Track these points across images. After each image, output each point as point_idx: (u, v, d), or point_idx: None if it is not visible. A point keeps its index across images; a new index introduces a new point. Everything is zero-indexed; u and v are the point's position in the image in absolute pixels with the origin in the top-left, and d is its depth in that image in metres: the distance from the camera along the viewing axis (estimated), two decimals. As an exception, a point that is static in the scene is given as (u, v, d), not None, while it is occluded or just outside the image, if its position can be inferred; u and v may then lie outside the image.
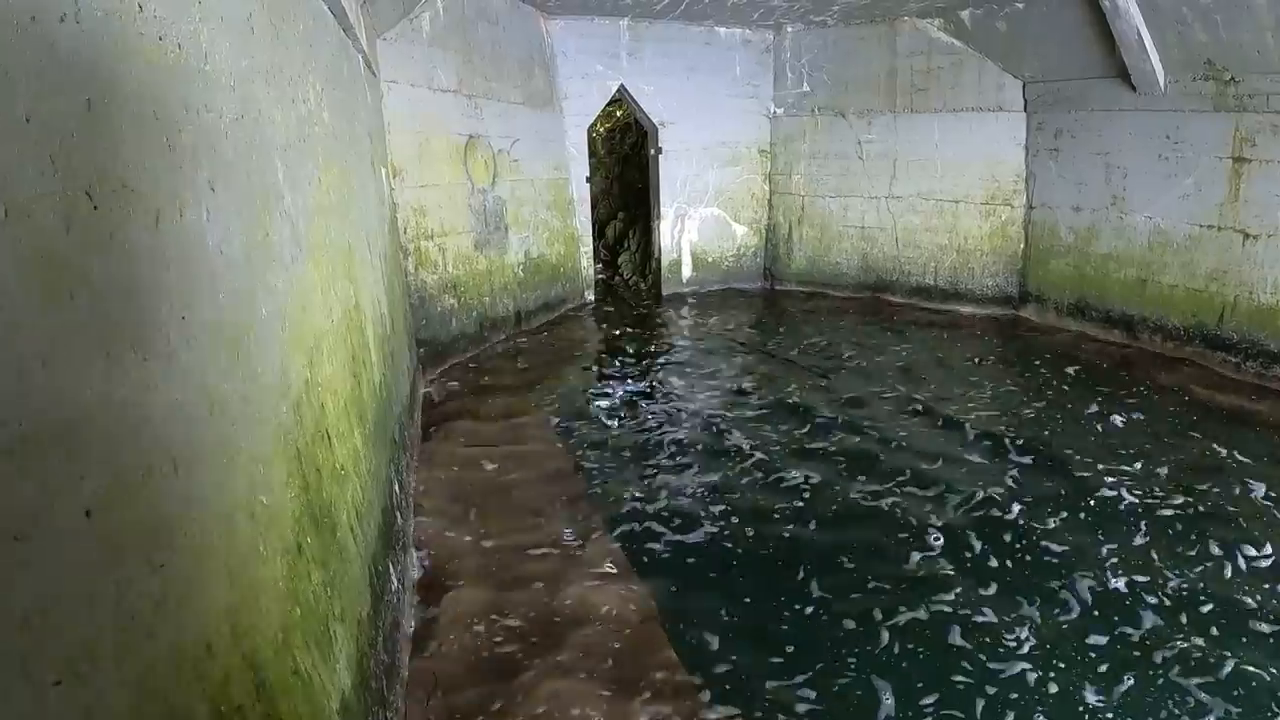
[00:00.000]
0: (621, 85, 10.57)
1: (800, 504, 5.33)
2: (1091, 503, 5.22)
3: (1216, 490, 5.37)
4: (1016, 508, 5.19)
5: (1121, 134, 8.81)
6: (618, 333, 9.54)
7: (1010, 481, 5.56)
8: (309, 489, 2.54)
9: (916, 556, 4.66)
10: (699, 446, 6.16)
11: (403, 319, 6.35)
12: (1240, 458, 5.83)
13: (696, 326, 9.90)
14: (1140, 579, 4.37)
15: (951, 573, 4.51)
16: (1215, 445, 6.06)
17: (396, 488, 4.45)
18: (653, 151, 11.25)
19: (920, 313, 10.49)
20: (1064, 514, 5.09)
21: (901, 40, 10.43)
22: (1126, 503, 5.22)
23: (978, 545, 4.77)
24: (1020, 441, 6.19)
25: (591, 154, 11.34)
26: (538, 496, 5.30)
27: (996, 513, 5.14)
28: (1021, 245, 10.18)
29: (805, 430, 6.49)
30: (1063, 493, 5.36)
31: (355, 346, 3.76)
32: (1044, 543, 4.76)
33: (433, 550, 4.60)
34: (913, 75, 10.48)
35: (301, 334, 2.70)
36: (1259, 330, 7.60)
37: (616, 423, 6.63)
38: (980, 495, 5.36)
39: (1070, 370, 7.97)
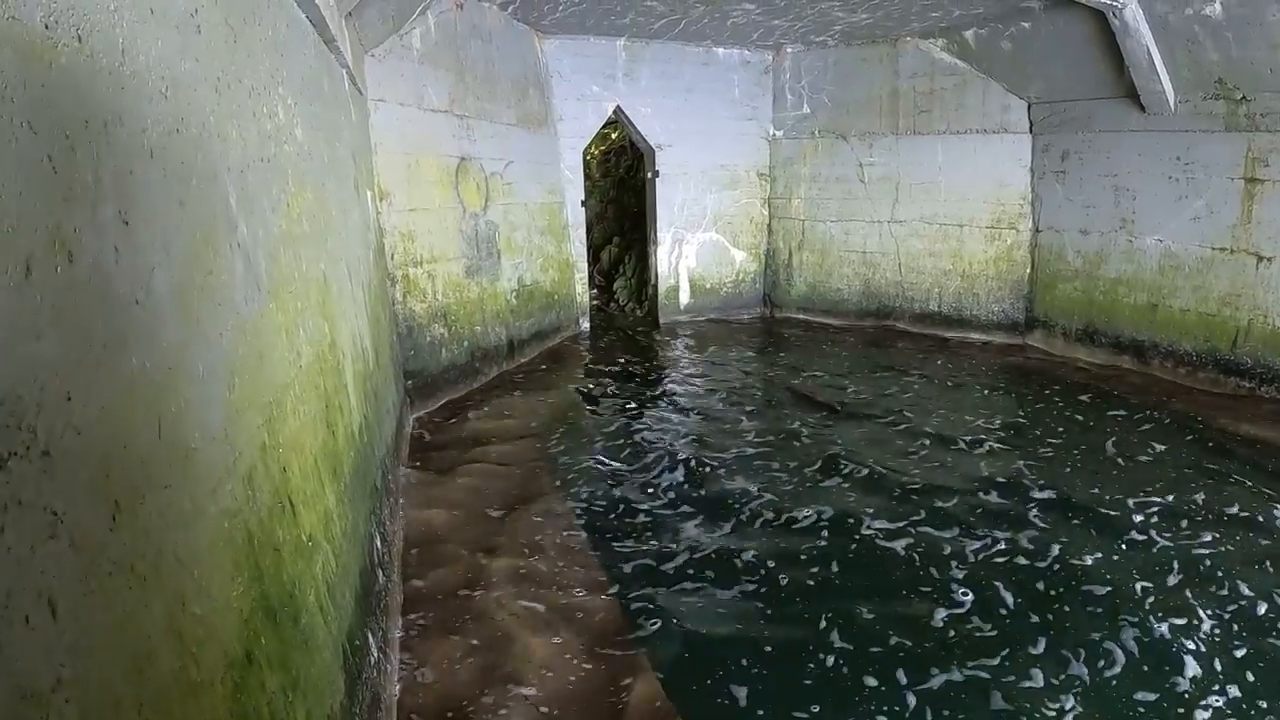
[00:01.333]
0: (618, 106, 10.19)
1: (815, 549, 4.89)
2: (1124, 545, 4.85)
3: (1244, 522, 5.10)
4: (1049, 549, 4.81)
5: (1130, 155, 8.53)
6: (615, 364, 9.09)
7: (1036, 520, 5.18)
8: (264, 577, 2.09)
9: (942, 613, 4.22)
10: (704, 491, 5.70)
11: (389, 351, 5.90)
12: (1265, 489, 5.55)
13: (696, 357, 9.46)
14: (1178, 622, 4.06)
15: (988, 631, 4.08)
16: (1238, 476, 5.76)
17: (378, 542, 3.99)
18: (649, 174, 10.86)
19: (924, 340, 10.10)
20: (1098, 554, 4.72)
21: (903, 61, 10.09)
22: (1158, 543, 4.88)
23: (1009, 597, 4.34)
24: (1040, 478, 5.81)
25: (586, 177, 10.94)
26: (536, 553, 4.85)
27: (1024, 560, 4.72)
28: (1028, 270, 9.84)
29: (814, 467, 6.06)
30: (1093, 533, 4.99)
31: (330, 392, 3.32)
32: (1084, 587, 4.39)
33: (422, 611, 4.13)
34: (915, 96, 10.14)
35: (257, 389, 2.26)
36: (1274, 354, 7.36)
37: (616, 464, 6.17)
38: (1004, 537, 4.97)
39: (1083, 398, 7.63)
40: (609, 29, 9.46)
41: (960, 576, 4.53)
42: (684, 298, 11.19)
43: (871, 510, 5.33)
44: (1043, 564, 4.67)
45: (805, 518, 5.27)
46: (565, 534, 4.99)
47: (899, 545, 4.91)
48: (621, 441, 6.64)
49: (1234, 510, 5.23)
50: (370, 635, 3.35)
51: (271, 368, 2.45)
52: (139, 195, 1.57)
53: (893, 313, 10.76)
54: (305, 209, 3.25)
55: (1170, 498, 5.41)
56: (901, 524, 5.15)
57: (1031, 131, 9.56)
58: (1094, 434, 6.66)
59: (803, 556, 4.82)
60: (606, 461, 6.19)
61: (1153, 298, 8.39)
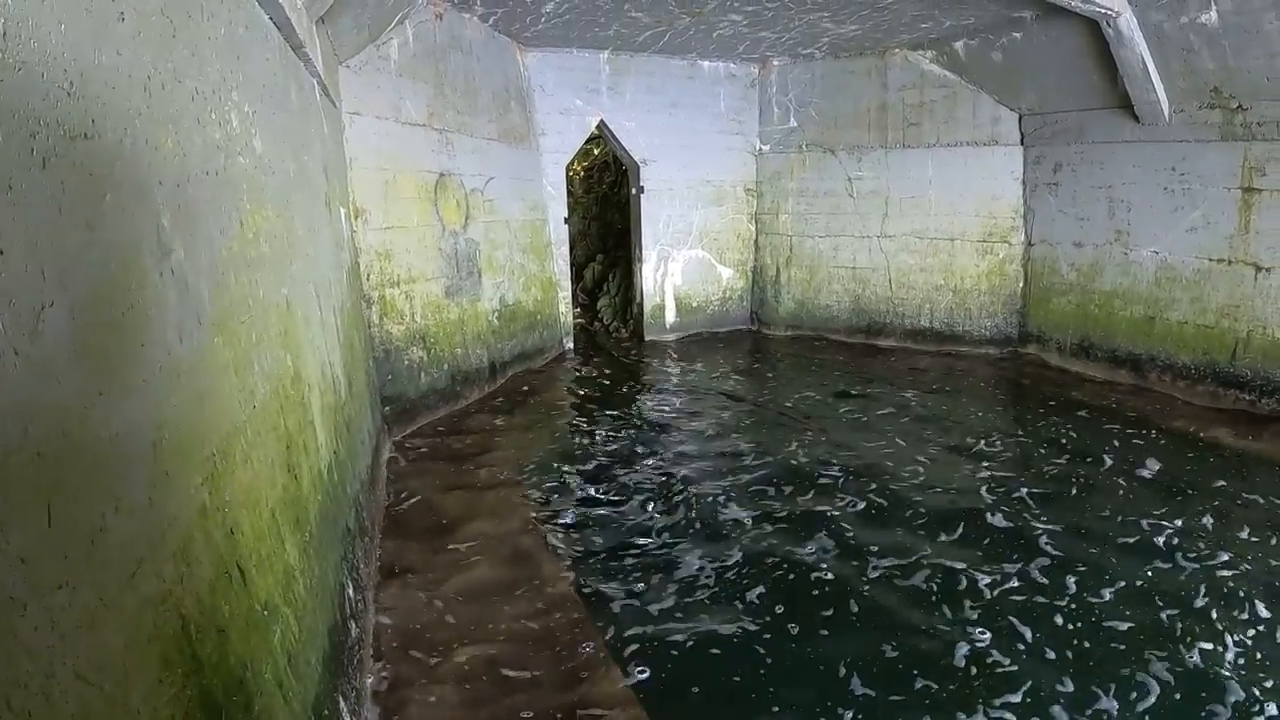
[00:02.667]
0: (602, 120, 9.88)
1: (825, 586, 4.55)
2: (1142, 571, 4.59)
3: (1257, 543, 4.91)
4: (1064, 580, 4.53)
5: (1124, 166, 8.36)
6: (601, 386, 8.72)
7: (1047, 547, 4.89)
8: (204, 668, 1.74)
9: (963, 649, 3.92)
10: (699, 525, 5.33)
11: (364, 376, 5.53)
12: (1275, 503, 5.40)
13: (683, 377, 9.11)
14: (1207, 647, 3.86)
15: (1011, 668, 3.78)
16: (1247, 494, 5.58)
17: (350, 591, 3.63)
18: (634, 190, 10.54)
19: (916, 356, 9.80)
20: (1116, 584, 4.45)
21: (892, 73, 9.86)
22: (1177, 567, 4.65)
23: (1027, 631, 4.05)
24: (1045, 502, 5.54)
25: (568, 193, 10.59)
26: (518, 595, 4.49)
27: (1041, 593, 4.41)
28: (1020, 284, 9.62)
29: (812, 495, 5.74)
30: (1111, 559, 4.72)
31: (292, 431, 2.95)
32: (1106, 623, 4.10)
33: (393, 666, 3.76)
34: (904, 109, 9.90)
35: (195, 441, 1.90)
36: (1274, 366, 7.21)
37: (605, 495, 5.80)
38: (1016, 568, 4.67)
39: (1080, 414, 7.41)
40: (592, 41, 9.16)
41: (976, 615, 4.22)
42: (670, 316, 10.85)
43: (877, 546, 4.99)
44: (1059, 595, 4.40)
45: (810, 553, 4.92)
46: (556, 574, 4.64)
47: (911, 581, 4.59)
48: (611, 470, 6.27)
49: (1245, 533, 5.04)
50: (342, 699, 2.99)
51: (215, 413, 2.09)
52: (21, 216, 1.22)
53: (884, 329, 10.47)
54: (264, 228, 2.90)
55: (1179, 521, 5.18)
56: (910, 558, 4.83)
57: (1023, 143, 9.37)
58: (1094, 453, 6.43)
59: (814, 593, 4.49)
60: (595, 493, 5.83)
61: (1149, 310, 8.21)
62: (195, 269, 2.03)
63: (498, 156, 8.40)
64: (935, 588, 4.50)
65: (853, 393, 8.27)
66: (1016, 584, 4.50)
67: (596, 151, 13.27)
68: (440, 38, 7.29)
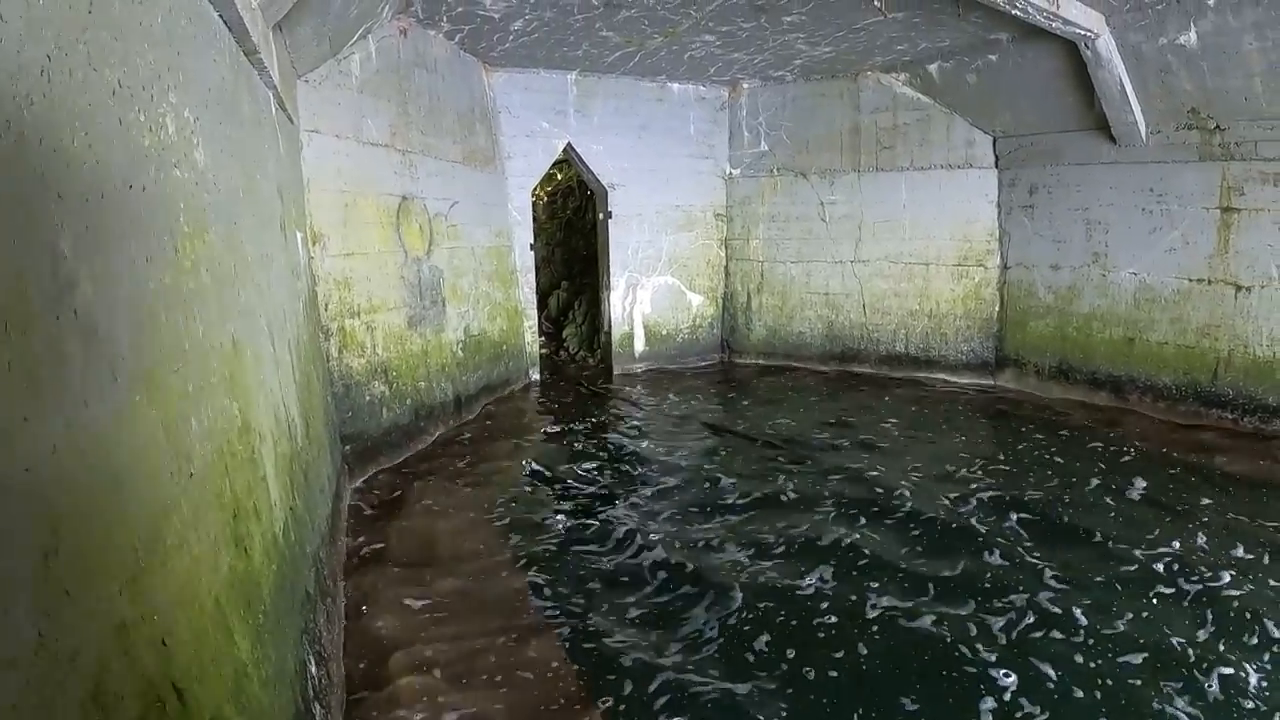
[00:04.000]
0: (569, 143, 9.46)
1: (832, 633, 4.15)
2: (1149, 600, 4.39)
3: (1253, 561, 4.79)
4: (1074, 614, 4.25)
5: (1101, 188, 8.22)
6: (570, 419, 8.22)
7: (1050, 582, 4.59)
8: None
9: (989, 702, 3.55)
10: (689, 567, 4.87)
11: (323, 416, 5.01)
12: (1264, 522, 5.30)
13: (656, 408, 8.64)
14: (1226, 673, 3.71)
15: (1041, 715, 3.48)
16: (1235, 513, 5.47)
17: (313, 668, 3.11)
18: (601, 215, 10.12)
19: (892, 383, 9.49)
20: (1125, 614, 4.23)
21: (865, 96, 9.60)
22: (1182, 592, 4.47)
23: (1051, 672, 3.75)
24: (1039, 532, 5.27)
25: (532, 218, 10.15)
26: (502, 659, 3.99)
27: (1057, 630, 4.13)
28: (997, 308, 9.37)
29: (801, 529, 5.34)
30: (1116, 588, 4.50)
31: (240, 495, 2.46)
32: (1123, 657, 3.86)
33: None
34: (877, 132, 9.64)
35: (109, 538, 1.43)
36: (1256, 385, 7.18)
37: (586, 537, 5.31)
38: (1023, 603, 4.38)
39: (1061, 435, 7.25)
40: (561, 62, 8.77)
41: (994, 657, 3.89)
42: (639, 345, 10.41)
43: (877, 585, 4.62)
44: (1072, 630, 4.12)
45: (812, 599, 4.50)
46: (542, 631, 4.15)
47: (920, 625, 4.21)
48: (591, 509, 5.80)
49: (1240, 551, 4.92)
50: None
51: (139, 493, 1.61)
52: None
53: (858, 355, 10.14)
54: (206, 255, 2.42)
55: (1175, 544, 5.00)
56: (914, 600, 4.47)
57: (998, 166, 9.16)
58: (1081, 477, 6.22)
59: (821, 642, 4.08)
60: (576, 535, 5.35)
61: (1129, 332, 8.10)
62: (110, 308, 1.56)
63: (463, 180, 7.94)
64: (947, 630, 4.14)
65: (831, 421, 7.90)
66: (1030, 620, 4.20)
67: (560, 176, 12.87)
68: (405, 54, 6.84)
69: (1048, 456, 6.73)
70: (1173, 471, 6.28)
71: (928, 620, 4.24)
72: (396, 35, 6.68)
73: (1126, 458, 6.63)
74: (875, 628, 4.19)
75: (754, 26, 7.62)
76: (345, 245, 6.02)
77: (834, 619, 4.29)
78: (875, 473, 6.41)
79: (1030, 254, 8.98)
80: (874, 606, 4.40)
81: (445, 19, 7.06)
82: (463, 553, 5.02)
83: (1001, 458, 6.72)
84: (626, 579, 4.80)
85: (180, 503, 1.89)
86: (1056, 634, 4.08)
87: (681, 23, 7.43)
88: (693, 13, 7.12)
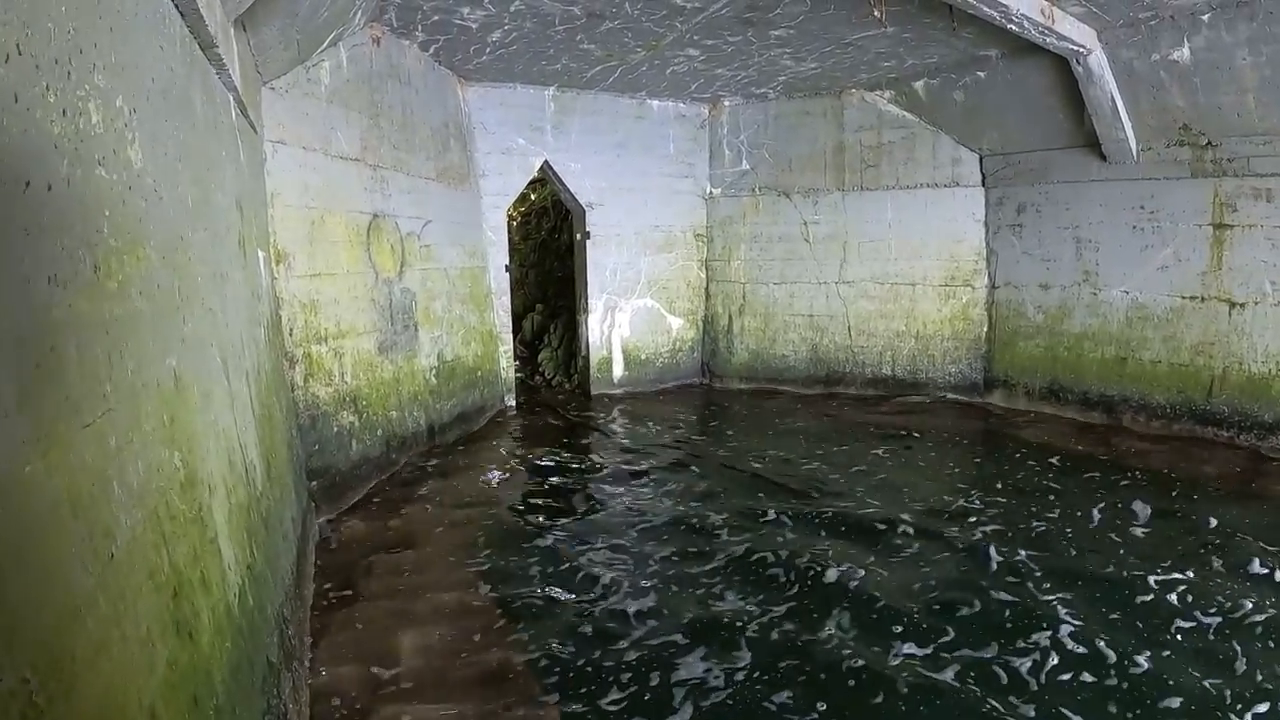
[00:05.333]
0: (546, 161, 9.04)
1: (854, 685, 3.76)
2: (1171, 634, 4.13)
3: (1268, 580, 4.64)
4: (1100, 652, 3.97)
5: (1091, 206, 8.03)
6: (548, 448, 7.71)
7: (1067, 618, 4.28)
8: None
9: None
10: (686, 617, 4.40)
11: (286, 452, 4.52)
12: (1272, 541, 5.11)
13: (638, 436, 8.17)
14: (1261, 710, 3.47)
15: None
16: (1242, 533, 5.28)
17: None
18: (579, 236, 9.70)
19: (879, 406, 9.14)
20: (1149, 651, 3.95)
21: (849, 114, 9.31)
22: (1203, 623, 4.22)
23: None
24: (1046, 564, 4.95)
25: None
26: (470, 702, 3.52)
27: (1087, 672, 3.82)
28: (985, 328, 9.11)
29: (804, 570, 4.91)
30: (1138, 624, 4.22)
31: (182, 567, 1.99)
32: (1160, 701, 3.59)
33: None
34: (862, 151, 9.35)
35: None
36: (1252, 401, 7.07)
37: (569, 583, 4.83)
38: (1046, 643, 4.07)
39: (1054, 461, 6.97)
40: (538, 76, 8.36)
41: (1032, 710, 3.53)
42: (618, 370, 9.96)
43: (897, 631, 4.23)
44: (1102, 671, 3.82)
45: (828, 646, 4.09)
46: (533, 696, 3.68)
47: (943, 675, 3.83)
48: (573, 551, 5.29)
49: (1255, 567, 4.77)
50: None
51: (30, 598, 1.16)
52: None
53: (843, 378, 9.78)
54: (140, 274, 1.96)
55: (1190, 571, 4.75)
56: (932, 646, 4.10)
57: (985, 185, 8.93)
58: (1081, 503, 5.95)
59: (850, 684, 3.72)
60: (559, 581, 4.87)
61: (1121, 351, 7.92)
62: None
63: (436, 198, 7.49)
64: (973, 679, 3.78)
65: (819, 449, 7.49)
66: (1055, 661, 3.89)
67: (534, 196, 12.46)
68: (377, 64, 6.40)
69: (1045, 482, 6.44)
70: (1173, 493, 6.08)
71: (953, 669, 3.87)
72: (369, 44, 6.24)
73: (1125, 481, 6.39)
74: (905, 676, 3.80)
75: (740, 41, 7.29)
76: (312, 265, 5.54)
77: (853, 663, 3.91)
78: (873, 507, 6.01)
79: (1019, 273, 8.73)
80: (895, 655, 4.02)
81: (420, 28, 6.63)
82: (437, 600, 4.52)
83: (999, 486, 6.37)
84: (616, 627, 4.33)
85: (97, 597, 1.43)
86: (1087, 677, 3.77)
87: (666, 35, 7.07)
88: (678, 25, 6.76)
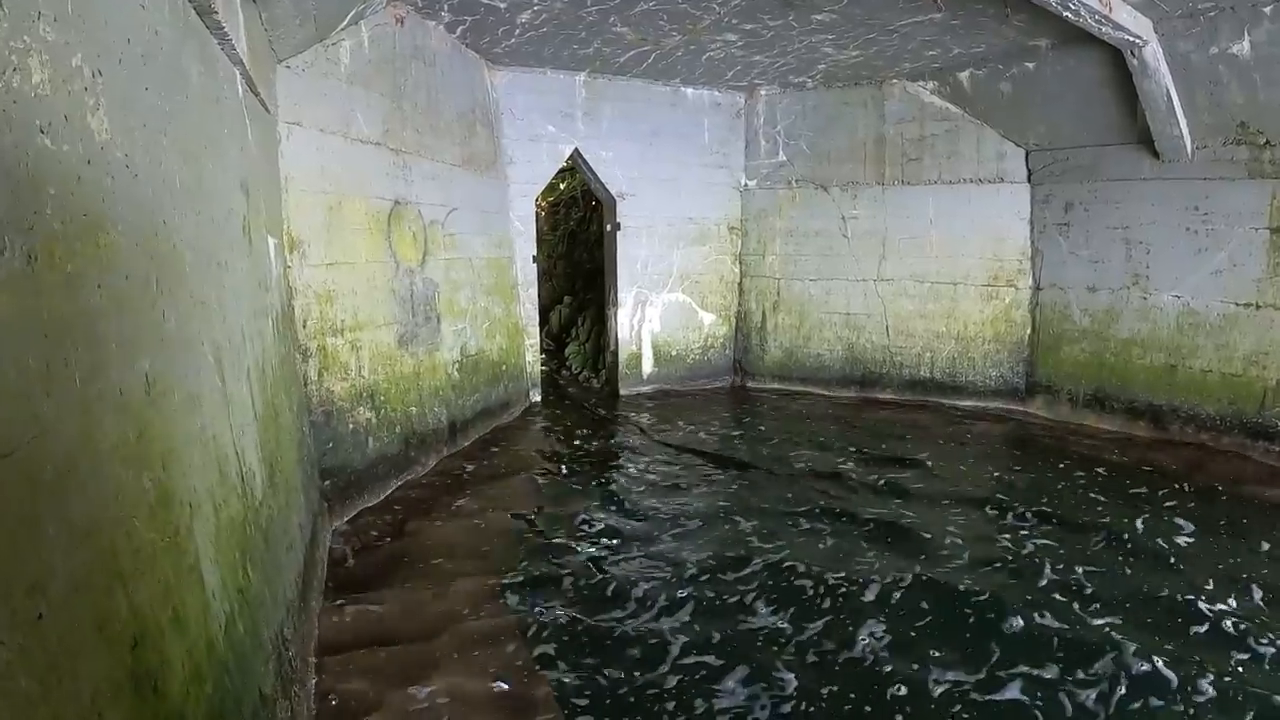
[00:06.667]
0: (576, 149, 8.70)
1: (903, 706, 3.47)
2: (1239, 666, 3.80)
3: None
4: (1162, 682, 3.68)
5: (1142, 206, 7.56)
6: (576, 449, 7.39)
7: (1126, 643, 3.94)
8: None
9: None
10: (722, 635, 4.08)
11: (295, 452, 4.22)
12: None
13: (668, 437, 7.78)
14: None
15: None
16: None
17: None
18: (609, 227, 9.35)
19: (918, 411, 8.74)
20: (1213, 690, 3.59)
21: (890, 105, 8.89)
22: (1260, 654, 3.91)
23: None
24: (1100, 586, 4.60)
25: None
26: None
27: (1158, 699, 3.57)
28: (1028, 331, 8.65)
29: (845, 584, 4.59)
30: (1195, 657, 3.84)
31: (144, 611, 1.67)
32: None
33: None
34: (903, 144, 8.93)
35: None
36: None
37: (603, 599, 4.49)
38: (1111, 673, 3.74)
39: (1102, 472, 6.60)
40: (569, 61, 8.02)
41: None
42: (647, 366, 9.61)
43: (939, 651, 3.93)
44: (1167, 699, 3.56)
45: (870, 666, 3.78)
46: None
47: (1004, 694, 3.61)
48: (605, 563, 4.96)
49: None
50: None
51: None
52: None
53: (880, 380, 9.38)
54: (100, 264, 1.65)
55: (1243, 600, 4.41)
56: (984, 665, 3.81)
57: (1030, 181, 8.47)
58: (1130, 520, 5.56)
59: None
60: (591, 596, 4.54)
61: (1171, 358, 7.45)
62: None
63: (461, 185, 7.17)
64: (1043, 710, 3.50)
65: (856, 455, 7.12)
66: (1123, 691, 3.58)
67: (563, 185, 12.13)
68: (401, 45, 6.08)
69: (1093, 495, 6.06)
70: (1220, 509, 5.73)
71: (1013, 690, 3.62)
72: (392, 23, 5.93)
73: (1171, 495, 6.04)
74: (958, 707, 3.51)
75: (781, 25, 6.91)
76: (328, 254, 5.25)
77: (902, 690, 3.61)
78: (913, 518, 5.65)
79: (1065, 275, 8.28)
80: (937, 682, 3.69)
81: (446, 9, 6.31)
82: (459, 618, 4.22)
83: (1043, 500, 5.98)
84: (647, 643, 4.03)
85: (14, 674, 1.12)
86: (1156, 702, 3.51)
87: (703, 19, 6.70)
88: (716, 7, 6.39)
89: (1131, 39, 6.23)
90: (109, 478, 1.60)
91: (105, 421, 1.61)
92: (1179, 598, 4.41)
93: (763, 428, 8.18)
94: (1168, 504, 5.83)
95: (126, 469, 1.70)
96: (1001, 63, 7.81)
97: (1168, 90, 6.62)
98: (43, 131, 1.46)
